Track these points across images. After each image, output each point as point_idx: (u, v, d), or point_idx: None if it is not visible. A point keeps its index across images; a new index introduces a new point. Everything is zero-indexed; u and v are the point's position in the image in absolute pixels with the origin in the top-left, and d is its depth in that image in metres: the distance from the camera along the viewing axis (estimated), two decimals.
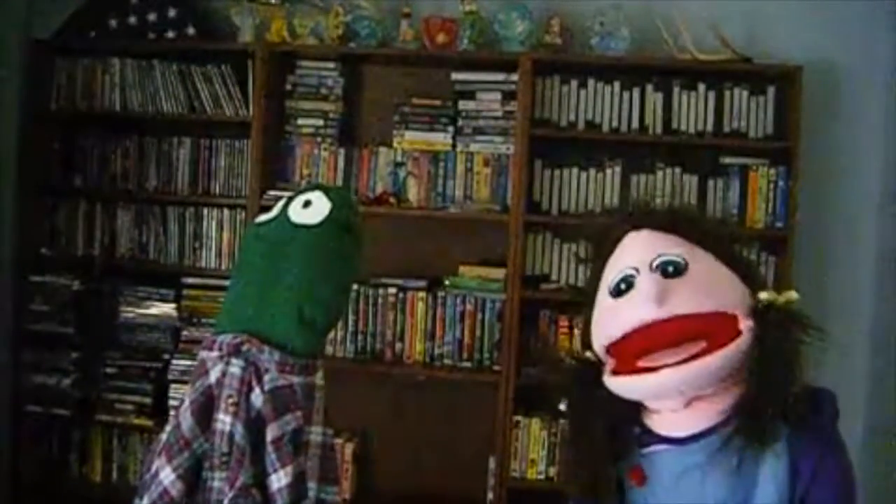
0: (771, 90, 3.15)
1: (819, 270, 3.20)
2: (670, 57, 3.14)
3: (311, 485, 1.85)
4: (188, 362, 3.28)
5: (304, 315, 1.91)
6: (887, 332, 3.10)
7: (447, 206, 3.26)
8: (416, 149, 3.29)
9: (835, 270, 3.24)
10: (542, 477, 3.20)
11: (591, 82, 3.22)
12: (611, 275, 1.48)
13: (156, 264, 3.40)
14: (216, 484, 1.84)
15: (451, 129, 3.28)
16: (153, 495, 1.84)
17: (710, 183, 3.19)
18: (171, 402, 3.28)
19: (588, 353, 1.51)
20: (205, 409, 1.87)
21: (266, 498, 1.82)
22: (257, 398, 1.85)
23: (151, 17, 3.35)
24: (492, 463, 3.18)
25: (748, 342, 1.35)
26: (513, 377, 3.13)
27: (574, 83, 3.22)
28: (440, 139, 3.29)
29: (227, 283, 3.21)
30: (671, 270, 1.40)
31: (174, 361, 3.32)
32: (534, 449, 3.19)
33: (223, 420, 1.84)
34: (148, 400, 3.34)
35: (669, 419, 1.43)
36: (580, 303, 1.61)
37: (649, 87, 3.19)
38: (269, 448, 1.83)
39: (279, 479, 1.81)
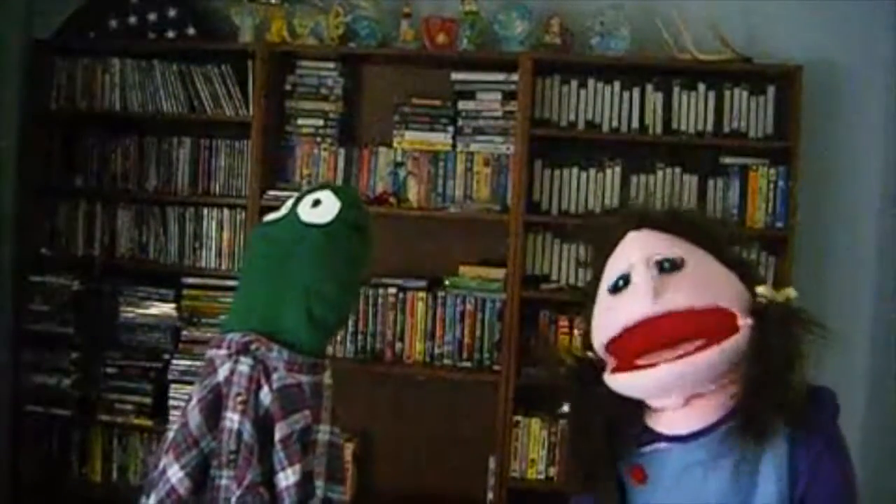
0: (771, 90, 3.15)
1: (819, 270, 3.20)
2: (670, 57, 3.14)
3: (319, 483, 1.86)
4: (188, 362, 3.29)
5: (314, 314, 1.91)
6: (887, 332, 3.10)
7: (447, 206, 3.26)
8: (416, 149, 3.29)
9: (835, 270, 3.24)
10: (542, 477, 3.20)
11: (591, 82, 3.22)
12: (610, 273, 1.49)
13: (156, 264, 3.40)
14: (224, 482, 1.85)
15: (451, 129, 3.28)
16: (161, 493, 1.85)
17: (710, 183, 3.19)
18: (172, 402, 3.29)
19: (589, 353, 1.52)
20: (213, 407, 1.87)
21: (273, 496, 1.83)
22: (266, 396, 1.85)
23: (151, 17, 3.35)
24: (492, 463, 3.18)
25: (746, 338, 1.35)
26: (513, 377, 3.13)
27: (574, 83, 3.22)
28: (440, 139, 3.29)
29: (227, 283, 3.28)
30: (668, 266, 1.41)
31: (174, 361, 3.32)
32: (534, 449, 3.19)
33: (231, 418, 1.85)
34: (148, 400, 3.34)
35: (670, 417, 1.44)
36: (580, 303, 1.62)
37: (649, 87, 3.19)
38: (277, 446, 1.83)
39: (287, 478, 1.82)
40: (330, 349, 3.19)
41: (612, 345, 1.45)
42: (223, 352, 1.90)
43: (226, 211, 3.36)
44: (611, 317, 1.45)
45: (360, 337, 3.29)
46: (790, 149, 3.08)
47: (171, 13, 3.34)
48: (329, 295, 1.94)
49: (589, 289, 1.56)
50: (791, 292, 1.40)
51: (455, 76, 3.27)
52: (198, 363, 3.23)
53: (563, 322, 3.18)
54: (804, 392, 1.37)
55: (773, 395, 1.33)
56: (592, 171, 3.23)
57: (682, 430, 1.42)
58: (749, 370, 1.36)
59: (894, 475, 2.91)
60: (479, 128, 3.27)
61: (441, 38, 3.22)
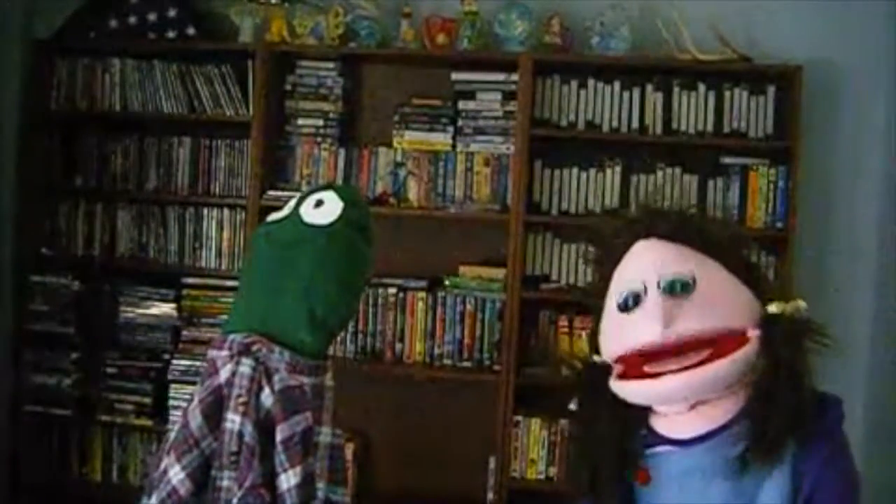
0: (771, 90, 3.15)
1: (819, 270, 3.20)
2: (670, 57, 3.14)
3: (320, 485, 1.85)
4: (188, 362, 3.29)
5: (316, 315, 1.91)
6: (887, 332, 3.10)
7: (447, 206, 3.26)
8: (416, 149, 3.29)
9: (835, 270, 3.24)
10: (542, 477, 3.20)
11: (591, 82, 3.21)
12: (619, 285, 1.48)
13: (156, 264, 3.40)
14: (225, 483, 1.85)
15: (451, 129, 3.28)
16: (162, 493, 1.85)
17: (710, 183, 3.18)
18: (171, 402, 3.29)
19: (596, 357, 1.52)
20: (214, 408, 1.87)
21: (275, 498, 1.83)
22: (267, 398, 1.85)
23: (151, 17, 3.34)
24: (492, 463, 3.18)
25: (755, 350, 1.35)
26: (513, 377, 3.13)
27: (574, 83, 3.22)
28: (440, 139, 3.29)
29: (227, 283, 3.28)
30: (679, 289, 1.40)
31: (174, 361, 3.32)
32: (534, 449, 3.19)
33: (233, 419, 1.85)
34: (148, 400, 3.34)
35: (674, 421, 1.44)
36: (580, 303, 1.62)
37: (649, 87, 3.19)
38: (279, 448, 1.83)
39: (288, 480, 1.82)
40: (330, 349, 3.19)
41: (620, 358, 1.46)
42: (224, 353, 1.90)
43: (226, 211, 3.36)
44: (620, 335, 1.45)
45: (360, 337, 3.28)
46: (790, 149, 3.08)
47: (171, 13, 3.33)
48: (331, 296, 1.94)
49: (596, 292, 1.55)
50: (800, 304, 1.40)
51: (455, 76, 3.27)
52: (198, 363, 3.23)
53: (563, 322, 3.18)
54: (810, 399, 1.37)
55: (780, 408, 1.33)
56: (592, 171, 3.22)
57: (686, 435, 1.42)
58: (758, 382, 1.36)
59: (894, 475, 2.90)
60: (479, 128, 3.27)
61: (441, 38, 3.22)
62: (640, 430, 1.48)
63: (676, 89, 3.18)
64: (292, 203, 2.06)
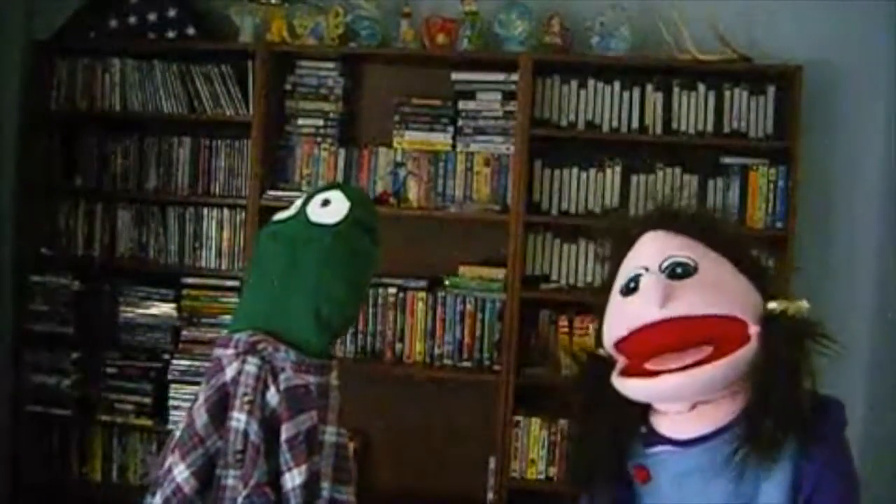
0: (771, 90, 3.15)
1: (819, 270, 3.20)
2: (670, 57, 3.14)
3: (325, 485, 1.85)
4: (188, 362, 3.29)
5: (321, 315, 1.91)
6: (887, 332, 3.10)
7: (447, 206, 3.26)
8: (416, 149, 3.29)
9: (835, 270, 3.24)
10: (542, 477, 3.19)
11: (591, 82, 3.21)
12: (623, 273, 1.49)
13: (156, 264, 3.40)
14: (230, 482, 1.85)
15: (451, 129, 3.28)
16: (166, 492, 1.85)
17: (710, 183, 3.18)
18: (172, 402, 3.29)
19: (601, 351, 1.53)
20: (219, 407, 1.87)
21: (279, 497, 1.83)
22: (272, 397, 1.85)
23: (151, 17, 3.34)
24: (492, 463, 3.18)
25: (755, 350, 1.35)
26: (513, 377, 3.13)
27: (574, 83, 3.22)
28: (440, 139, 3.29)
29: (227, 283, 3.29)
30: (679, 272, 1.40)
31: (174, 361, 3.32)
32: (534, 449, 3.19)
33: (238, 418, 1.85)
34: (148, 400, 3.34)
35: (673, 421, 1.44)
36: (580, 303, 1.63)
37: (649, 87, 3.19)
38: (284, 447, 1.83)
39: (293, 479, 1.82)
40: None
41: (620, 344, 1.46)
42: (230, 351, 1.90)
43: (226, 211, 3.36)
44: (619, 318, 1.45)
45: (360, 337, 3.28)
46: (790, 149, 3.08)
47: (171, 13, 3.33)
48: (337, 295, 1.94)
49: (604, 286, 1.56)
50: (803, 304, 1.40)
51: (455, 76, 3.27)
52: (198, 363, 3.24)
53: (563, 322, 3.18)
54: (811, 402, 1.36)
55: (778, 407, 1.33)
56: (592, 171, 3.23)
57: (686, 435, 1.42)
58: (756, 382, 1.36)
59: (894, 475, 2.90)
60: (479, 128, 3.27)
61: (441, 38, 3.22)
62: (640, 428, 1.48)
63: (676, 89, 3.18)
64: (298, 202, 2.06)
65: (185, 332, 3.35)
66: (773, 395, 1.33)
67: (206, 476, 1.87)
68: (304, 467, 1.82)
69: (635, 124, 3.19)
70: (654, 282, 1.39)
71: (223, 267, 3.34)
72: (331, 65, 3.34)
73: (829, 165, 3.23)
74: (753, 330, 1.36)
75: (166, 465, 1.88)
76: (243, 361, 1.88)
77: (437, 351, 3.26)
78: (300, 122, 3.35)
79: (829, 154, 3.23)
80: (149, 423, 3.34)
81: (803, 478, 1.35)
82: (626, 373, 1.44)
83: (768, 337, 1.36)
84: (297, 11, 3.30)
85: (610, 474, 1.47)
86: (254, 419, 1.84)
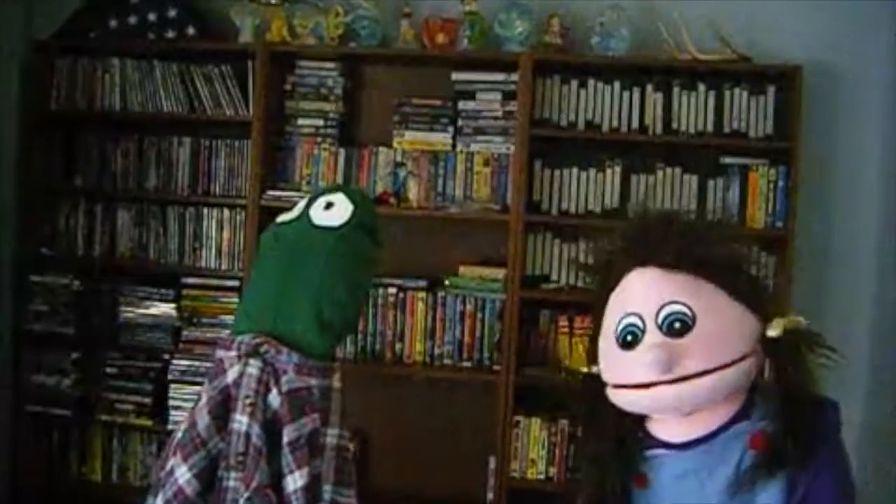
0: (771, 90, 3.15)
1: (819, 270, 3.20)
2: (670, 57, 3.14)
3: (327, 487, 1.85)
4: (188, 362, 3.29)
5: (324, 317, 1.91)
6: (887, 332, 3.09)
7: (447, 206, 3.26)
8: (416, 149, 3.29)
9: (835, 270, 3.23)
10: (542, 477, 3.19)
11: (591, 82, 3.21)
12: (617, 314, 1.47)
13: (156, 264, 3.39)
14: (231, 483, 1.84)
15: (451, 129, 3.28)
16: (168, 493, 1.85)
17: (710, 183, 3.18)
18: (171, 402, 3.29)
19: (594, 368, 1.53)
20: (221, 409, 1.87)
21: (281, 499, 1.83)
22: (274, 399, 1.85)
23: (151, 17, 3.35)
24: (492, 463, 3.18)
25: (751, 365, 1.36)
26: (513, 377, 3.13)
27: (574, 83, 3.22)
28: (440, 139, 3.29)
29: (227, 283, 3.29)
30: (678, 327, 1.38)
31: (174, 361, 3.32)
32: (534, 449, 3.19)
33: (240, 420, 1.85)
34: (148, 400, 3.34)
35: (669, 425, 1.44)
36: (580, 303, 1.63)
37: (649, 87, 3.19)
38: (286, 449, 1.83)
39: (295, 481, 1.82)
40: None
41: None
42: (232, 353, 1.90)
43: (226, 211, 3.36)
44: (621, 371, 1.44)
45: (360, 337, 3.28)
46: (790, 149, 3.08)
47: (171, 13, 3.34)
48: (340, 297, 1.94)
49: (595, 311, 1.55)
50: (800, 320, 1.40)
51: (455, 76, 3.27)
52: (198, 363, 3.24)
53: (563, 322, 3.18)
54: (808, 403, 1.37)
55: (782, 420, 1.34)
56: (592, 171, 3.22)
57: (681, 438, 1.42)
58: (773, 408, 1.37)
59: (893, 475, 2.90)
60: (479, 128, 3.27)
61: (441, 38, 3.22)
62: (638, 433, 1.48)
63: (676, 89, 3.18)
64: (301, 204, 2.06)
65: (185, 332, 3.35)
66: (785, 410, 1.34)
67: (208, 478, 1.87)
68: (305, 470, 1.82)
69: (635, 124, 3.19)
70: (655, 346, 1.37)
71: (223, 267, 3.34)
72: (331, 65, 3.34)
73: (829, 165, 3.23)
74: (751, 352, 1.37)
75: (168, 466, 1.88)
76: (245, 364, 1.88)
77: (437, 351, 3.26)
78: (300, 122, 3.35)
79: (829, 154, 3.23)
80: (149, 423, 3.34)
81: (799, 478, 1.35)
82: (619, 386, 1.45)
83: (767, 355, 1.36)
84: (297, 11, 3.30)
85: (616, 484, 1.47)
86: (255, 421, 1.84)
